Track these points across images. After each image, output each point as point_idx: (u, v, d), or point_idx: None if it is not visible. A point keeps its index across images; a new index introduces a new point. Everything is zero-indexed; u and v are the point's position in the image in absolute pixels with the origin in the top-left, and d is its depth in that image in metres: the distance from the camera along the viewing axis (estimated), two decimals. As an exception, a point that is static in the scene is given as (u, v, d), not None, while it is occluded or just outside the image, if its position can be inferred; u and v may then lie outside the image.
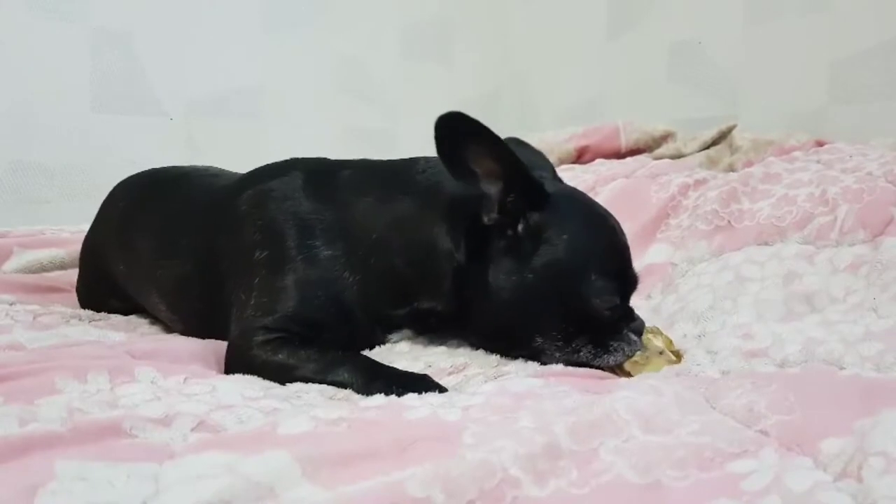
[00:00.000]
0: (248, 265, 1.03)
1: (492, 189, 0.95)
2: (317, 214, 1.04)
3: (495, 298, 0.97)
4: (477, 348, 1.03)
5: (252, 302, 1.00)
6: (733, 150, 1.93)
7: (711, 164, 1.91)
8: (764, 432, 0.69)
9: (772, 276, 1.18)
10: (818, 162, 1.43)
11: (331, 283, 1.01)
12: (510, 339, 0.99)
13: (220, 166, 1.40)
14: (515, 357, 0.99)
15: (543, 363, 0.96)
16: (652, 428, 0.68)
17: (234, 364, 0.96)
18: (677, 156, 1.97)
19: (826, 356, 0.89)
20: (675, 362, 1.00)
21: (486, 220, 0.96)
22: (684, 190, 1.50)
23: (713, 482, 0.61)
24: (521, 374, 0.89)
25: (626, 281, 1.02)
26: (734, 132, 1.97)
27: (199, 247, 1.13)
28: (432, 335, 1.08)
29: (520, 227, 0.96)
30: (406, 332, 1.07)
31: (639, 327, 1.00)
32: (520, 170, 0.94)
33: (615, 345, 0.96)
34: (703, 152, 1.96)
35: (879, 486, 0.56)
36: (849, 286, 1.11)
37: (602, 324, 0.97)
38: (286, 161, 1.14)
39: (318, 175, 1.09)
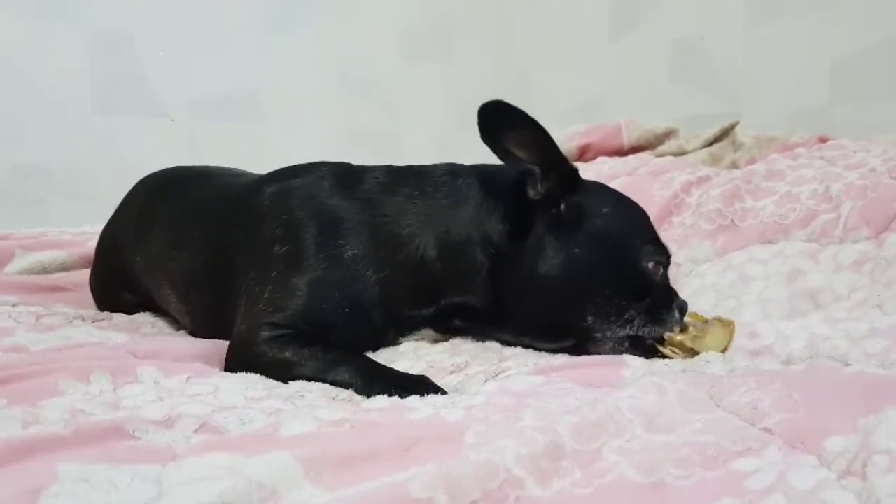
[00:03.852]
0: (265, 259, 1.02)
1: (534, 170, 0.98)
2: (342, 213, 1.03)
3: (543, 279, 0.98)
4: (516, 346, 1.02)
5: (265, 296, 1.00)
6: (736, 146, 1.92)
7: (714, 161, 1.90)
8: (768, 430, 0.68)
9: (775, 274, 1.18)
10: (821, 158, 1.42)
11: (350, 283, 1.00)
12: (559, 324, 0.99)
13: (226, 166, 1.40)
14: (562, 348, 0.99)
15: (592, 349, 0.98)
16: (655, 427, 0.68)
17: (236, 357, 0.96)
18: (680, 153, 1.96)
19: (831, 352, 0.89)
20: (730, 326, 0.99)
21: (532, 194, 0.99)
22: (687, 187, 1.50)
23: (717, 481, 0.60)
24: (523, 371, 0.89)
25: (665, 250, 1.04)
26: (737, 129, 1.97)
27: (213, 240, 1.13)
28: (454, 335, 1.07)
29: (562, 206, 0.99)
30: (426, 332, 1.06)
31: (683, 304, 1.02)
32: (558, 154, 0.98)
33: (666, 315, 0.99)
34: (705, 149, 1.96)
35: (883, 484, 0.56)
36: (853, 283, 1.10)
37: (652, 291, 0.99)
38: (311, 163, 1.15)
39: (343, 176, 1.09)
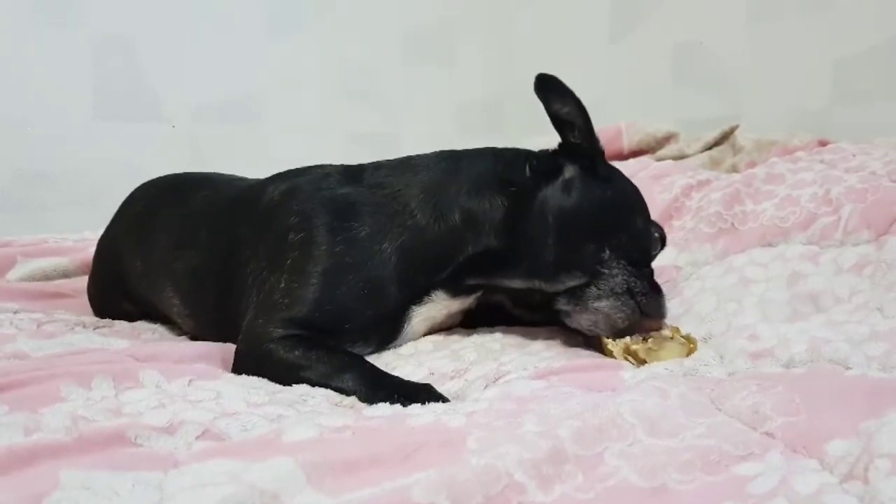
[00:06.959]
0: (279, 249, 1.04)
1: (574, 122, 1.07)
2: (354, 198, 1.07)
3: (574, 210, 1.03)
4: (526, 292, 1.05)
5: (281, 286, 1.01)
6: (736, 150, 1.92)
7: (714, 164, 1.90)
8: (770, 434, 0.69)
9: (776, 277, 1.18)
10: (821, 162, 1.43)
11: (365, 263, 1.02)
12: (574, 257, 1.01)
13: (223, 172, 1.40)
14: (565, 285, 1.01)
15: (593, 291, 1.00)
16: (657, 431, 0.68)
17: (246, 351, 0.98)
18: (680, 157, 1.96)
19: (832, 355, 0.89)
20: (691, 347, 0.99)
21: (571, 138, 1.07)
22: (687, 191, 1.50)
23: (719, 485, 0.60)
24: (523, 375, 0.89)
25: (662, 235, 1.16)
26: (737, 133, 1.97)
27: (220, 237, 1.15)
28: (466, 295, 1.09)
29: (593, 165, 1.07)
30: (438, 295, 1.07)
31: None
32: (592, 133, 1.07)
33: (661, 300, 1.04)
34: (705, 153, 1.96)
35: (886, 487, 0.56)
36: (854, 286, 1.10)
37: (649, 263, 1.08)
38: (313, 165, 1.17)
39: (347, 171, 1.13)
